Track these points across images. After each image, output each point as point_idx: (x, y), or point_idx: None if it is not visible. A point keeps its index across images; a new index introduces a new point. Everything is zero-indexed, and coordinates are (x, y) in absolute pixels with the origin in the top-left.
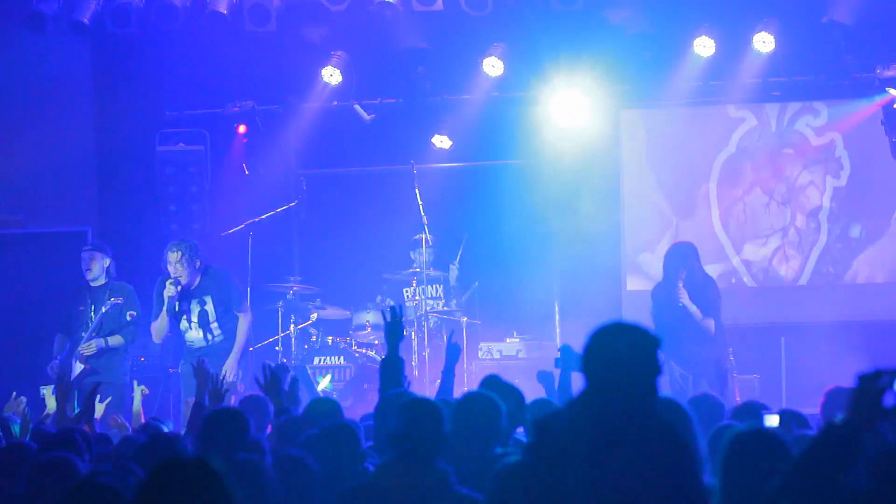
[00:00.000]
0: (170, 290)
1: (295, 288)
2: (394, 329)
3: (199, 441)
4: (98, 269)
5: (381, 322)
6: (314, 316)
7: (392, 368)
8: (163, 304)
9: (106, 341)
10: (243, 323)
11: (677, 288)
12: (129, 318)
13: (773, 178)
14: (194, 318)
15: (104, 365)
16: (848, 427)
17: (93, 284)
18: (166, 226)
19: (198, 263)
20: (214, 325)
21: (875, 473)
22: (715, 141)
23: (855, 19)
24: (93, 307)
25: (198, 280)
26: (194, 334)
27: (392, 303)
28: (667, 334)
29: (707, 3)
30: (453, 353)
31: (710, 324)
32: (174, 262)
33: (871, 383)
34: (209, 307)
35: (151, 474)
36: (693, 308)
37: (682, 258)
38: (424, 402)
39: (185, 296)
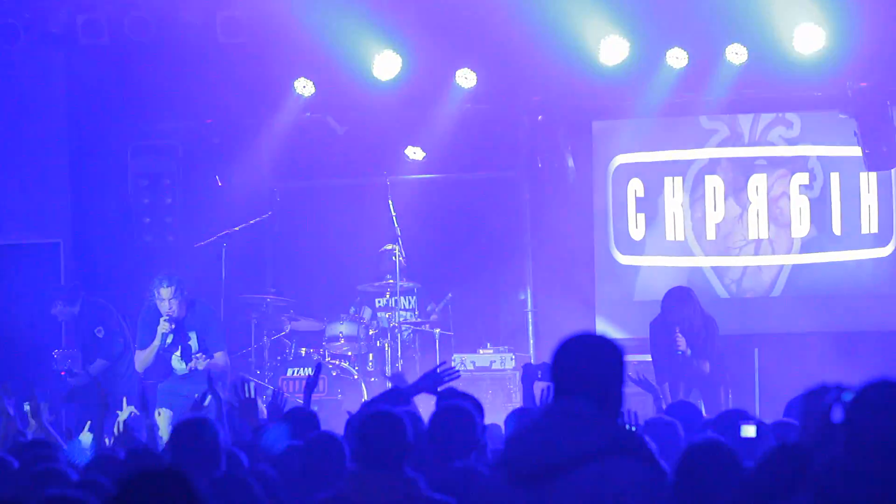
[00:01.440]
0: (164, 327)
1: (268, 299)
2: (433, 381)
3: (170, 452)
4: (62, 314)
5: (354, 333)
6: (287, 328)
7: (398, 398)
8: (150, 336)
9: (87, 373)
10: (219, 360)
11: (674, 334)
12: (98, 335)
13: (746, 188)
14: (177, 352)
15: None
16: (798, 447)
17: (75, 315)
18: (140, 238)
19: (186, 294)
20: (199, 355)
21: (820, 492)
22: (687, 152)
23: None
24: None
25: (185, 313)
26: (178, 364)
27: (356, 309)
28: (663, 374)
29: (680, 15)
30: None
31: (706, 366)
32: (167, 297)
33: (817, 400)
34: (192, 342)
35: (122, 488)
36: (689, 352)
37: (680, 304)
38: (385, 412)
39: (173, 329)
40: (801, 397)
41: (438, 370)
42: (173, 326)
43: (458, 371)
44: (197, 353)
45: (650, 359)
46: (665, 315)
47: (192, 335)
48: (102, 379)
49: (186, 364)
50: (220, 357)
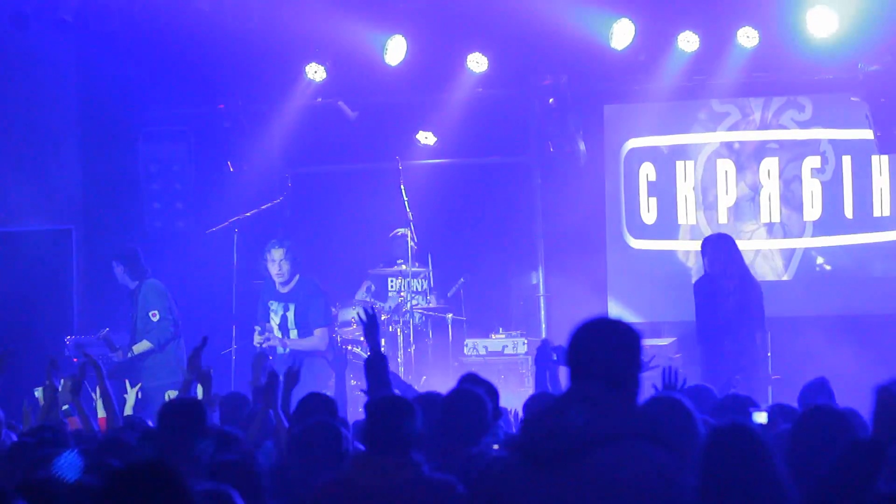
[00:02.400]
0: (257, 339)
1: None
2: (372, 326)
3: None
4: (120, 277)
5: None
6: None
7: (377, 367)
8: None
9: (132, 350)
10: (316, 337)
11: (715, 285)
12: (153, 319)
13: (758, 172)
14: (276, 320)
15: (142, 369)
16: (873, 443)
17: (131, 288)
18: (150, 224)
19: (298, 260)
20: (294, 333)
21: None
22: (699, 136)
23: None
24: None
25: (293, 283)
26: (276, 334)
27: (371, 297)
28: (710, 330)
29: None
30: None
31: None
32: (278, 259)
33: (890, 396)
34: (290, 314)
35: (107, 482)
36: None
37: (715, 247)
38: (393, 398)
39: (276, 296)
40: (875, 391)
41: (366, 319)
42: (266, 341)
43: (373, 304)
44: (294, 328)
45: (664, 342)
46: (707, 265)
47: (292, 307)
48: (147, 361)
49: (282, 338)
50: (319, 334)
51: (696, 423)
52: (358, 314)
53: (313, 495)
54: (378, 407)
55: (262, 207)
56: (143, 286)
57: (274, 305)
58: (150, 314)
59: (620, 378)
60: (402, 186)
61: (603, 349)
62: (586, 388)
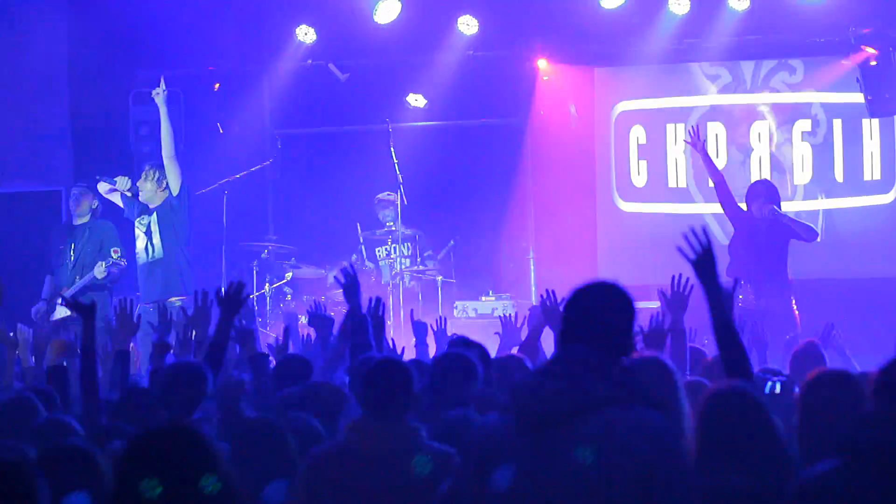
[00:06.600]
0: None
1: (270, 247)
2: (351, 288)
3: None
4: (86, 207)
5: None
6: (289, 275)
7: (357, 327)
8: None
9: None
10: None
11: (764, 214)
12: (113, 256)
13: (748, 135)
14: (143, 228)
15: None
16: None
17: (75, 223)
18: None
19: (164, 185)
20: (157, 237)
21: None
22: (690, 98)
23: None
24: (72, 245)
25: (160, 203)
26: (140, 244)
27: (357, 257)
28: (743, 254)
29: None
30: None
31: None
32: (142, 180)
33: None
34: (153, 217)
35: (132, 444)
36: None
37: (766, 193)
38: (392, 361)
39: (144, 210)
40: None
41: (344, 280)
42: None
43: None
44: (156, 233)
45: (653, 305)
46: (751, 207)
47: (155, 213)
48: (95, 296)
49: (146, 243)
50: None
51: (677, 383)
52: (336, 276)
53: (309, 465)
54: (377, 371)
55: (252, 169)
56: (105, 225)
57: (143, 219)
58: (111, 251)
59: (612, 341)
60: (391, 149)
61: (600, 313)
62: (578, 350)
